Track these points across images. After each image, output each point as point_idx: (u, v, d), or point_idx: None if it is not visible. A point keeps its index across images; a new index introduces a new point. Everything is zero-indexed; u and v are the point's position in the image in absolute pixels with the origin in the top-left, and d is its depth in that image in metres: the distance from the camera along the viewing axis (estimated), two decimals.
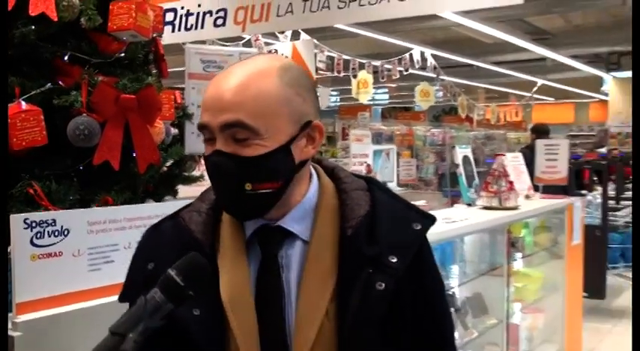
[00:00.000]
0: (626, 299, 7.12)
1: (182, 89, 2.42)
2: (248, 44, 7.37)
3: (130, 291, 1.27)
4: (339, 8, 4.21)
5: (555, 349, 4.70)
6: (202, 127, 1.16)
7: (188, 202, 1.34)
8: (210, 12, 4.64)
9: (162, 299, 1.06)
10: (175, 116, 2.17)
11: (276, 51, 7.70)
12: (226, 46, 6.48)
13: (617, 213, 7.04)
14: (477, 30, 10.82)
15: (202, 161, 2.59)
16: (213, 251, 1.22)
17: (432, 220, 1.27)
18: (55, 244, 1.67)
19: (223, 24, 4.58)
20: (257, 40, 7.38)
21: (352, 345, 1.18)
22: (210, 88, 1.17)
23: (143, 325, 1.04)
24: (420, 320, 1.24)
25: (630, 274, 7.03)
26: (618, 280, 6.87)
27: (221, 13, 4.60)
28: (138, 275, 1.28)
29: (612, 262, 6.76)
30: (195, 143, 2.21)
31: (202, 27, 4.65)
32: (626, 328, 6.16)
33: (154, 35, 2.20)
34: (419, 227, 1.25)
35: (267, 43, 7.70)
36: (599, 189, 7.33)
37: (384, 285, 1.17)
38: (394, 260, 1.19)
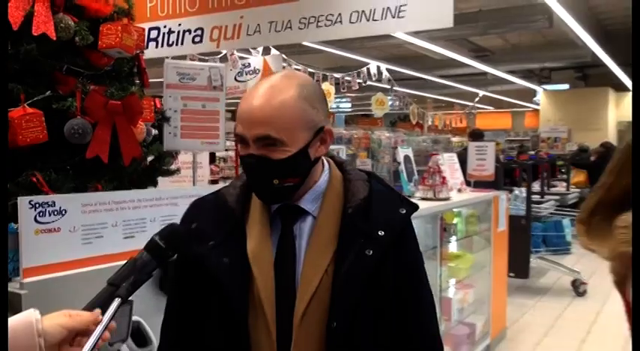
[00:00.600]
0: (547, 279, 7.32)
1: (161, 97, 2.52)
2: (224, 58, 7.48)
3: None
4: (300, 29, 4.31)
5: (483, 320, 4.81)
6: (238, 135, 1.29)
7: (166, 190, 1.51)
8: (190, 30, 4.71)
9: (149, 258, 1.22)
10: (155, 119, 2.24)
11: (249, 64, 7.83)
12: (205, 59, 6.59)
13: (540, 205, 7.15)
14: (426, 48, 11.04)
15: (178, 156, 2.74)
16: (243, 219, 1.36)
17: (415, 207, 1.42)
18: (54, 221, 1.75)
19: (200, 41, 4.66)
20: (232, 54, 7.49)
21: (342, 295, 1.29)
22: (243, 105, 1.28)
23: (133, 278, 1.19)
24: (400, 283, 1.35)
25: (551, 258, 7.18)
26: (540, 262, 6.99)
27: (198, 32, 4.67)
28: (183, 233, 1.38)
29: (535, 246, 6.87)
30: (172, 142, 2.33)
31: (182, 43, 4.72)
32: (546, 303, 6.41)
33: (137, 52, 2.27)
34: (404, 212, 1.39)
35: (241, 57, 7.80)
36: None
37: (372, 252, 1.30)
38: (382, 234, 1.32)
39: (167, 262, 1.27)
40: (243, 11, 4.52)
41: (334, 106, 10.08)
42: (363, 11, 4.08)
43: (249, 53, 7.63)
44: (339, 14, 4.15)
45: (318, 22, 4.24)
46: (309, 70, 8.74)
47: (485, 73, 14.87)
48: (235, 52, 7.22)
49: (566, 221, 7.52)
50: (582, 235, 1.03)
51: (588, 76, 16.86)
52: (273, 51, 7.67)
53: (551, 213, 7.46)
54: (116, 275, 1.20)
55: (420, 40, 10.08)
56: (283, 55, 7.99)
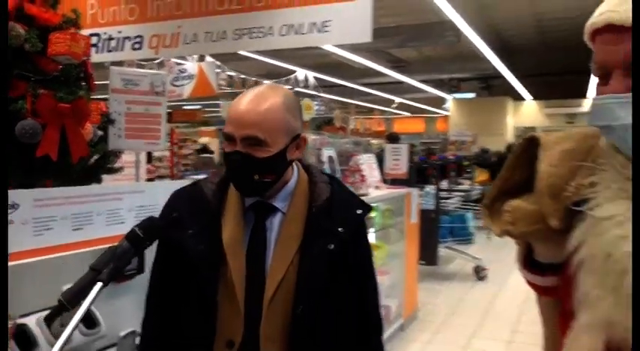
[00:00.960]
0: (453, 265, 7.48)
1: (105, 99, 2.54)
2: (162, 64, 7.40)
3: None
4: (234, 39, 4.36)
5: (397, 302, 4.90)
6: (227, 135, 1.35)
7: (111, 186, 1.56)
8: (129, 37, 4.64)
9: (128, 246, 1.27)
10: (101, 121, 2.30)
11: (185, 70, 7.77)
12: (143, 65, 6.49)
13: (448, 201, 7.35)
14: (349, 58, 11.27)
15: (122, 156, 2.76)
16: (219, 211, 1.42)
17: (369, 208, 1.52)
18: (8, 215, 1.74)
19: (140, 48, 4.61)
20: (168, 60, 7.42)
21: (306, 283, 1.36)
22: (233, 108, 1.35)
23: (113, 264, 1.23)
24: (355, 273, 1.45)
25: (456, 247, 7.26)
26: (448, 251, 7.14)
27: (138, 39, 4.61)
28: (164, 220, 1.45)
29: (443, 237, 7.00)
30: (116, 142, 2.36)
31: (122, 49, 4.65)
32: (452, 287, 6.53)
33: (84, 58, 2.28)
34: (360, 212, 1.48)
35: (177, 63, 7.73)
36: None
37: (333, 246, 1.38)
38: (341, 230, 1.40)
39: (143, 250, 1.33)
40: (181, 21, 4.52)
41: None
42: (292, 25, 4.18)
43: (185, 59, 7.58)
44: (271, 27, 4.23)
45: (252, 33, 4.31)
46: (242, 76, 8.76)
47: (401, 82, 15.26)
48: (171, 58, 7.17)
49: (469, 214, 7.70)
50: (486, 217, 1.11)
51: (491, 86, 17.64)
52: (208, 58, 7.66)
53: (457, 207, 7.66)
54: (98, 261, 1.24)
55: (344, 51, 10.31)
56: (217, 62, 7.99)
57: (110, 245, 1.32)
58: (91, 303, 1.15)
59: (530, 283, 1.14)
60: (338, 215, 1.43)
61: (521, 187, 1.03)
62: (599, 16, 0.90)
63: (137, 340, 1.92)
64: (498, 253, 8.10)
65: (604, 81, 0.90)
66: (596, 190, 0.92)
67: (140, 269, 2.03)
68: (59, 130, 2.03)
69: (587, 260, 0.89)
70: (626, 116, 0.85)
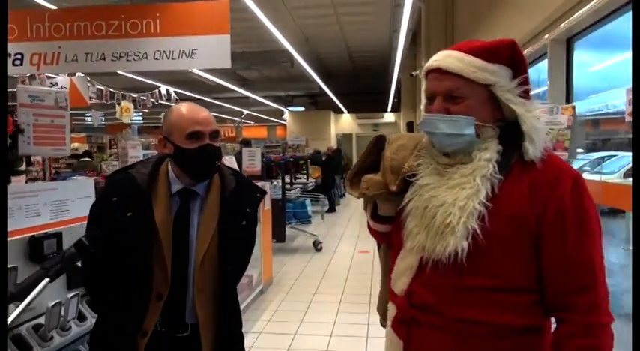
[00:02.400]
0: (297, 241, 7.61)
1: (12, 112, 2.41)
2: (33, 77, 6.74)
3: (99, 210, 1.49)
4: (112, 60, 4.25)
5: (257, 272, 4.98)
6: (198, 133, 1.42)
7: (29, 185, 1.55)
8: (10, 54, 4.27)
9: (74, 253, 1.29)
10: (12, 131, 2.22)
11: (57, 83, 7.16)
12: (15, 77, 5.88)
13: (290, 191, 7.55)
14: (204, 76, 11.20)
15: (25, 159, 2.62)
16: (151, 196, 1.46)
17: (264, 193, 1.66)
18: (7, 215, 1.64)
19: (21, 64, 4.26)
20: (40, 74, 6.79)
21: (229, 249, 1.48)
22: (191, 115, 1.44)
23: (60, 265, 1.24)
24: (250, 238, 1.59)
25: (299, 227, 7.53)
26: (293, 230, 7.36)
27: (18, 56, 4.26)
28: (106, 202, 1.47)
29: (289, 219, 7.22)
30: (26, 148, 2.28)
31: None
32: (297, 258, 6.63)
33: None
34: (259, 195, 1.62)
35: (49, 76, 7.09)
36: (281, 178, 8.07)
37: (245, 222, 1.52)
38: (249, 210, 1.54)
39: (87, 256, 1.33)
40: (61, 42, 4.28)
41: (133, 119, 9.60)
42: (164, 51, 4.22)
43: (56, 73, 7.00)
44: (145, 52, 4.22)
45: (128, 56, 4.24)
46: (110, 89, 8.31)
47: (247, 97, 15.47)
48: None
49: (307, 201, 8.02)
50: (348, 187, 1.31)
51: (317, 102, 18.63)
52: (78, 73, 7.16)
53: (298, 196, 7.93)
54: (48, 262, 1.24)
55: (200, 70, 10.24)
56: (87, 77, 7.50)
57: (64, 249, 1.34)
58: (38, 294, 1.16)
59: (372, 232, 1.37)
60: (245, 199, 1.55)
61: (371, 167, 1.30)
62: (433, 62, 1.13)
63: (62, 310, 1.96)
64: (330, 230, 8.69)
65: (430, 102, 1.14)
66: (419, 169, 1.16)
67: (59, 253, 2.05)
68: None
69: (412, 210, 1.14)
70: (443, 128, 1.09)
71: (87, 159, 7.97)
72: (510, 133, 1.10)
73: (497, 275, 1.05)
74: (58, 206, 2.23)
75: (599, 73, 3.65)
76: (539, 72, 4.67)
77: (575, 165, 3.39)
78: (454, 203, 1.06)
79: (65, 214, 2.26)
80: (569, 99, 3.61)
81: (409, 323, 1.14)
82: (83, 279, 1.55)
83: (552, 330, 1.12)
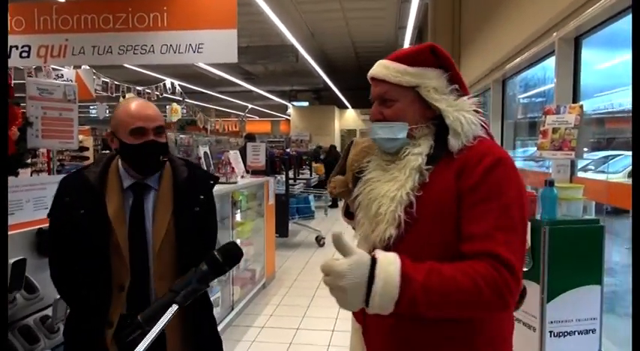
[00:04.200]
0: (299, 236, 7.69)
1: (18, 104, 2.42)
2: (39, 69, 6.75)
3: (54, 211, 1.52)
4: (119, 54, 4.26)
5: (260, 267, 5.06)
6: (139, 129, 1.45)
7: (37, 178, 1.57)
8: (17, 46, 4.28)
9: (207, 270, 1.11)
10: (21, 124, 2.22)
11: (62, 75, 7.17)
12: (21, 68, 5.89)
13: (294, 186, 7.61)
14: (208, 70, 11.19)
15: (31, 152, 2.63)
16: (103, 192, 1.50)
17: (216, 178, 1.71)
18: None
19: (28, 56, 4.27)
20: (46, 66, 6.80)
21: (185, 236, 1.51)
22: (135, 110, 1.47)
23: (191, 287, 1.09)
24: (208, 223, 1.62)
25: (302, 222, 7.63)
26: (295, 226, 7.40)
27: (25, 48, 4.27)
28: (59, 203, 1.51)
29: (292, 214, 7.23)
30: (34, 141, 2.29)
31: (10, 57, 4.27)
32: (300, 253, 6.69)
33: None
34: (212, 182, 1.66)
35: (54, 69, 7.11)
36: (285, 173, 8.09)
37: (198, 208, 1.56)
38: (202, 197, 1.59)
39: (221, 274, 1.16)
40: (68, 35, 4.28)
41: None
42: (171, 45, 4.21)
43: (63, 66, 7.01)
44: (152, 46, 4.22)
45: (135, 50, 4.24)
46: (116, 82, 8.32)
47: (251, 91, 15.44)
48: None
49: (311, 197, 8.10)
50: (328, 187, 1.45)
51: (321, 97, 18.58)
52: (84, 66, 7.17)
53: (301, 191, 8.01)
54: (178, 283, 1.10)
55: (206, 64, 10.23)
56: (93, 70, 7.51)
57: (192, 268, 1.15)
58: (165, 324, 0.97)
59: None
60: (198, 186, 1.60)
61: (344, 169, 1.42)
62: (371, 71, 1.26)
63: None
64: (333, 225, 8.66)
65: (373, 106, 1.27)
66: (368, 166, 1.28)
67: None
68: None
69: (360, 202, 1.25)
70: (381, 133, 1.21)
71: (106, 152, 8.01)
72: (443, 128, 1.18)
73: (427, 253, 1.09)
74: None
75: (605, 71, 3.63)
76: (545, 70, 4.65)
77: (580, 164, 3.38)
78: (386, 194, 1.16)
79: None
80: (576, 98, 3.59)
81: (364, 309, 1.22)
82: (51, 275, 1.57)
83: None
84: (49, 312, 1.91)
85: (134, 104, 1.50)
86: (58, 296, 1.92)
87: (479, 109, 1.22)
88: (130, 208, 1.51)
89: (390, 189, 1.16)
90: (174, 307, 1.00)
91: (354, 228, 1.45)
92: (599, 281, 2.44)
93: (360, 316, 1.26)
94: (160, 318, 0.97)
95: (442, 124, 1.18)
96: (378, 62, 1.27)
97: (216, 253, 1.13)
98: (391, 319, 1.12)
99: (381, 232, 1.14)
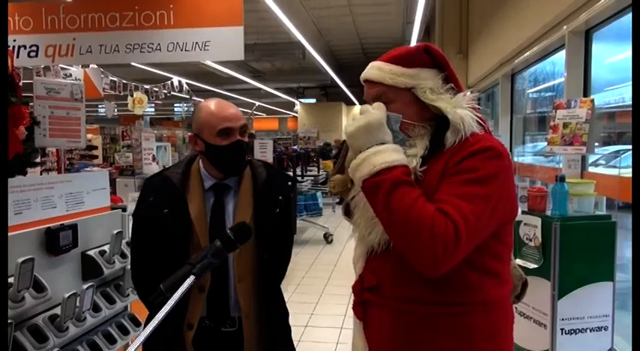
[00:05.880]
0: (308, 233, 7.66)
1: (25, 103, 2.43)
2: (47, 68, 6.80)
3: (139, 211, 1.55)
4: (126, 52, 4.27)
5: None
6: (228, 129, 1.44)
7: (44, 177, 1.57)
8: (25, 46, 4.30)
9: (221, 246, 1.19)
10: (28, 123, 2.23)
11: (71, 74, 7.22)
12: (30, 68, 5.93)
13: (302, 183, 7.60)
14: (216, 68, 11.20)
15: (40, 151, 2.65)
16: (185, 192, 1.51)
17: (295, 180, 1.72)
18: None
19: (36, 56, 4.29)
20: (55, 66, 6.84)
21: (265, 238, 1.50)
22: (219, 111, 1.46)
23: (207, 260, 1.15)
24: (287, 225, 1.60)
25: (310, 219, 7.58)
26: (304, 223, 7.41)
27: (34, 48, 4.29)
28: (144, 203, 1.53)
29: (299, 211, 7.23)
30: (42, 140, 2.30)
31: (18, 57, 4.29)
32: (308, 250, 6.64)
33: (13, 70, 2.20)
34: (290, 183, 1.65)
35: (63, 68, 7.16)
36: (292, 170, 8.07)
37: (278, 210, 1.55)
38: (281, 198, 1.56)
39: (233, 250, 1.23)
40: (75, 34, 4.30)
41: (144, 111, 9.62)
42: (177, 43, 4.22)
43: (70, 64, 7.05)
44: (159, 44, 4.22)
45: (142, 48, 4.25)
46: (124, 81, 8.36)
47: (259, 89, 15.47)
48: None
49: (319, 194, 8.05)
50: (329, 185, 1.45)
51: (329, 93, 18.57)
52: (92, 65, 7.21)
53: (309, 188, 7.97)
54: (194, 257, 1.17)
55: (212, 62, 10.23)
56: (101, 69, 7.55)
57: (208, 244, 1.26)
58: (183, 293, 1.07)
59: None
60: (277, 188, 1.58)
61: (342, 167, 1.41)
62: (364, 74, 1.26)
63: (78, 300, 1.97)
64: (341, 222, 8.64)
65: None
66: None
67: (74, 244, 2.06)
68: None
69: (357, 203, 1.24)
70: None
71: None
72: (443, 126, 1.16)
73: None
74: (74, 198, 2.24)
75: (615, 65, 3.58)
76: (554, 64, 4.59)
77: (591, 159, 3.34)
78: None
79: (80, 205, 2.27)
80: (586, 92, 3.54)
81: (364, 305, 1.26)
82: (132, 276, 1.59)
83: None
84: (57, 311, 1.91)
85: (218, 105, 1.49)
86: (67, 295, 1.93)
87: (476, 106, 1.21)
88: (211, 208, 1.52)
89: None
90: (192, 278, 1.09)
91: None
92: (611, 278, 2.42)
93: (360, 313, 1.28)
94: (179, 287, 1.07)
95: (439, 124, 1.17)
96: (370, 64, 1.26)
97: (228, 231, 1.21)
98: (391, 315, 1.17)
99: (379, 234, 1.16)
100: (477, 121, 1.18)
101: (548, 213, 2.47)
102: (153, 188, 1.57)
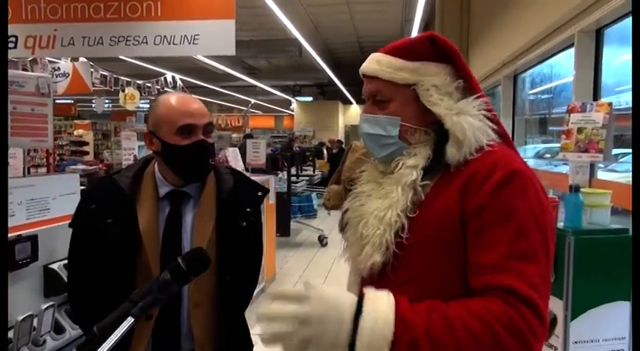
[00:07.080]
0: (302, 236, 7.48)
1: None
2: (35, 61, 6.54)
3: (77, 220, 1.32)
4: (110, 45, 4.02)
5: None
6: (190, 126, 1.25)
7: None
8: None
9: (169, 279, 0.99)
10: None
11: (59, 68, 6.95)
12: (16, 61, 5.68)
13: (296, 184, 7.45)
14: (210, 64, 10.97)
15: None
16: (134, 202, 1.29)
17: (266, 191, 1.48)
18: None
19: (15, 47, 4.03)
20: (42, 59, 6.58)
21: (230, 255, 1.30)
22: (182, 106, 1.26)
23: (151, 296, 0.97)
24: (253, 240, 1.42)
25: (304, 221, 7.50)
26: (298, 225, 7.24)
27: (12, 39, 4.03)
28: (84, 211, 1.31)
29: (294, 213, 7.15)
30: (15, 141, 2.08)
31: None
32: (302, 253, 6.53)
33: None
34: (260, 194, 1.44)
35: (51, 62, 6.90)
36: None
37: (245, 223, 1.34)
38: (249, 210, 1.36)
39: (185, 283, 1.04)
40: (57, 24, 4.04)
41: (136, 106, 9.35)
42: (165, 36, 3.98)
43: (59, 58, 6.79)
44: (145, 37, 3.99)
45: (127, 41, 4.01)
46: (115, 76, 8.10)
47: (255, 86, 15.28)
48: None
49: (313, 195, 8.03)
50: (325, 196, 1.26)
51: (325, 92, 18.38)
52: (82, 58, 6.95)
53: (304, 189, 7.84)
54: (137, 291, 0.99)
55: (207, 58, 10.00)
56: (91, 63, 7.29)
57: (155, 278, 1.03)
58: (120, 337, 0.90)
59: None
60: (244, 198, 1.39)
61: (340, 178, 1.22)
62: (361, 69, 1.08)
63: (35, 321, 1.74)
64: (336, 224, 8.45)
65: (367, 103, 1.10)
66: (362, 176, 1.10)
67: (34, 257, 1.84)
68: None
69: (349, 219, 1.07)
70: (366, 127, 1.05)
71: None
72: (445, 134, 0.98)
73: (426, 286, 0.93)
74: (36, 205, 2.01)
75: (617, 67, 3.38)
76: (560, 65, 4.39)
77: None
78: (374, 213, 0.99)
79: (45, 213, 2.04)
80: (596, 94, 3.32)
81: None
82: (68, 296, 1.37)
83: None
84: (10, 334, 1.68)
85: (178, 98, 1.29)
86: (21, 317, 1.70)
87: (489, 111, 1.00)
88: (166, 219, 1.30)
89: (380, 207, 0.99)
90: (130, 320, 0.91)
91: None
92: (628, 297, 2.22)
93: None
94: (115, 329, 0.89)
95: (443, 131, 0.99)
96: (371, 56, 1.08)
97: (180, 260, 1.00)
98: None
99: (367, 256, 0.97)
100: (493, 130, 0.98)
101: (560, 225, 2.26)
102: (96, 193, 1.35)
